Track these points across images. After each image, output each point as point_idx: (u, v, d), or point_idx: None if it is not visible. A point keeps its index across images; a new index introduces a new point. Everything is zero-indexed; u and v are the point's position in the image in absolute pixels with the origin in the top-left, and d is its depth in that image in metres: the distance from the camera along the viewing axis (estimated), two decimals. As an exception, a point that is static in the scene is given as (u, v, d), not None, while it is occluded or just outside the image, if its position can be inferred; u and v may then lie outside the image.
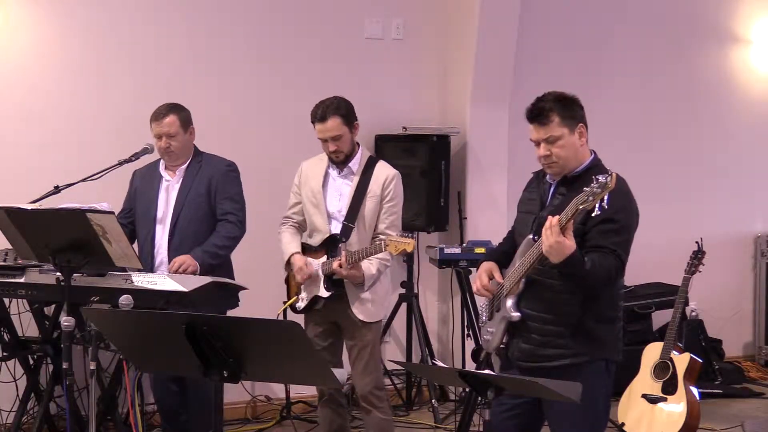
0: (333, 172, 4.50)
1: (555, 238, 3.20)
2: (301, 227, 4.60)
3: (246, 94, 5.85)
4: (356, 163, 4.46)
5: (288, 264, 4.52)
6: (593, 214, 3.21)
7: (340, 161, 4.44)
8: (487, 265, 3.67)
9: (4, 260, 4.48)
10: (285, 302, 4.64)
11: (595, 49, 6.74)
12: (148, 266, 4.56)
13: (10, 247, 4.39)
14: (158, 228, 4.64)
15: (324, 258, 4.44)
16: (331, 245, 4.41)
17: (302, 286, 4.52)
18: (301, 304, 4.52)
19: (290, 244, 4.53)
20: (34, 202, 4.43)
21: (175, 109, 4.65)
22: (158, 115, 4.61)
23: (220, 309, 4.40)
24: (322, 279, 4.42)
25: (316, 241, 4.49)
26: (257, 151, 5.65)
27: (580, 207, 3.14)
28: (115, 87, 5.57)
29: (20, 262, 4.40)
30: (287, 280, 4.68)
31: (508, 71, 6.20)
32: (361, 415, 4.55)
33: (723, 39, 7.15)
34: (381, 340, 4.61)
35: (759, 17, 7.19)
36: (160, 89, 5.58)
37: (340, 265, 4.26)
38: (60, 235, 3.98)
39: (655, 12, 6.91)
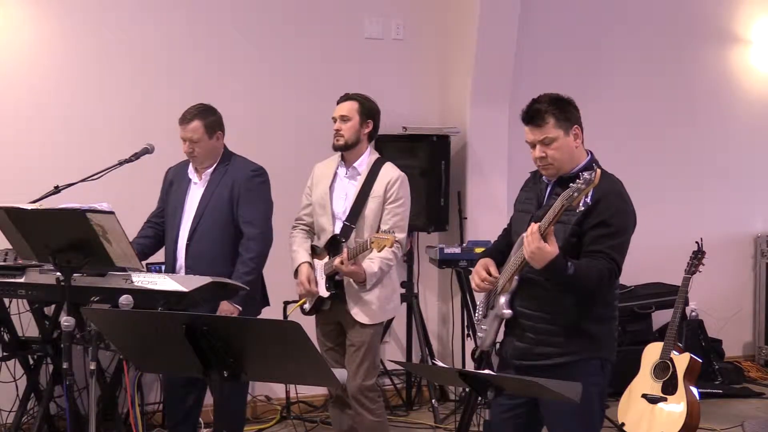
0: (341, 172, 4.52)
1: (536, 245, 3.25)
2: (311, 229, 4.61)
3: (246, 94, 5.84)
4: (362, 164, 4.48)
5: (296, 272, 4.52)
6: (578, 210, 3.23)
7: (339, 146, 4.44)
8: (483, 261, 3.67)
9: (4, 260, 4.48)
10: (291, 303, 4.62)
11: (595, 49, 6.74)
12: (170, 268, 4.56)
13: (10, 247, 4.38)
14: (181, 232, 4.60)
15: (327, 259, 4.46)
16: (333, 246, 4.42)
17: None
18: (307, 306, 4.54)
19: (299, 252, 4.53)
20: (34, 202, 4.42)
21: (202, 114, 4.55)
22: (184, 119, 4.54)
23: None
24: (324, 279, 4.44)
25: (322, 242, 4.51)
26: (256, 151, 5.63)
27: (565, 203, 3.17)
28: (115, 86, 5.57)
29: (20, 262, 4.39)
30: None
31: (508, 71, 6.20)
32: (352, 414, 4.55)
33: (723, 39, 7.15)
34: (381, 341, 4.59)
35: (759, 17, 7.19)
36: (160, 89, 5.60)
37: (342, 262, 4.26)
38: (60, 235, 3.97)
39: (655, 12, 6.91)
